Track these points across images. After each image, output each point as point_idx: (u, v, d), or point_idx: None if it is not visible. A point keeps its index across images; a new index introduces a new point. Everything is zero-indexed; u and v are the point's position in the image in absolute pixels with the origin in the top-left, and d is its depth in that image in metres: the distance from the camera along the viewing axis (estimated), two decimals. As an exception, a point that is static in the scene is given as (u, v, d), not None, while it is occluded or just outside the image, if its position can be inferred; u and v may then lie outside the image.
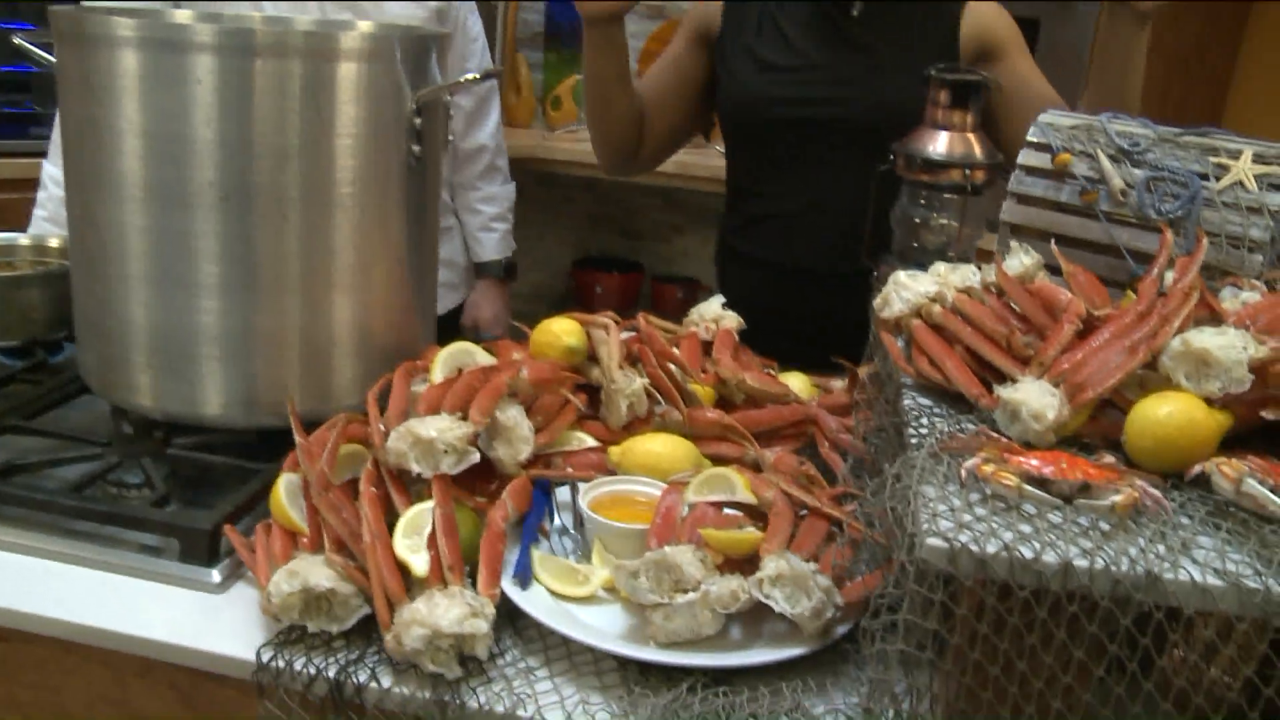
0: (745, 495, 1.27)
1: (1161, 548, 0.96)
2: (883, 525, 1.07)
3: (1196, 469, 1.04)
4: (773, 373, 1.58)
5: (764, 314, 1.75)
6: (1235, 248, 1.29)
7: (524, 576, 1.21)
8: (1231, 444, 1.12)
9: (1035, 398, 1.11)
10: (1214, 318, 1.16)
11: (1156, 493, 1.02)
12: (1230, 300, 1.20)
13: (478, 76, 1.52)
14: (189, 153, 1.33)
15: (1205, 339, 1.09)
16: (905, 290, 1.30)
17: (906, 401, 1.23)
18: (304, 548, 1.19)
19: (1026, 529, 0.97)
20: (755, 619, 1.19)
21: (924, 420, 1.18)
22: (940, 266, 1.33)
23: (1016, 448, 1.08)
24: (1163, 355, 1.11)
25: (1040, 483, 1.02)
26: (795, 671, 1.13)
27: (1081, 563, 0.93)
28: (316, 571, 1.11)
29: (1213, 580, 0.93)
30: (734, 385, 1.46)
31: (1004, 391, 1.13)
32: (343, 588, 1.11)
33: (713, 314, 1.59)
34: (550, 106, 3.20)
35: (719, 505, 1.28)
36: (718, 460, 1.41)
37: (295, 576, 1.10)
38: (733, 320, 1.58)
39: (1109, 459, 1.08)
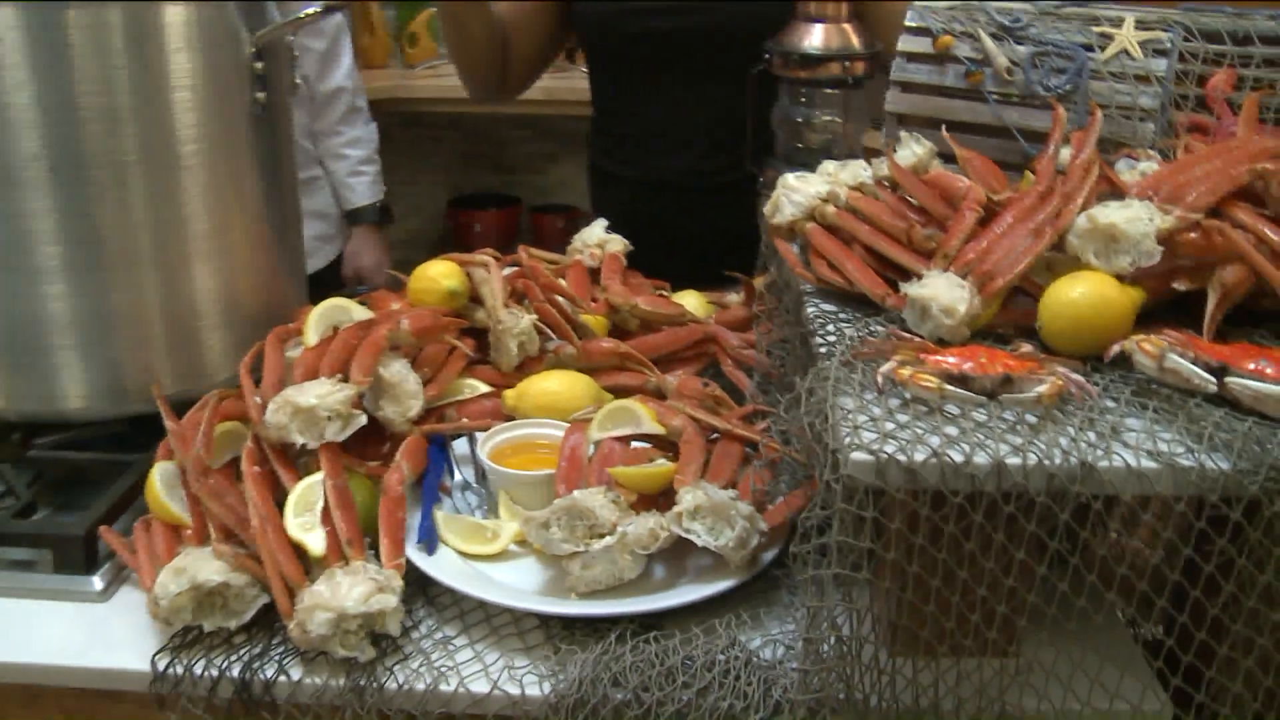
0: (652, 426, 1.19)
1: (1092, 435, 0.91)
2: (801, 443, 1.00)
3: (1115, 349, 0.99)
4: (666, 294, 1.50)
5: (646, 234, 1.66)
6: (1126, 118, 1.24)
7: (429, 541, 1.12)
8: (1145, 320, 1.07)
9: (945, 292, 1.05)
10: (1116, 192, 1.11)
11: (1079, 378, 0.97)
12: (1128, 172, 1.15)
13: (319, 10, 1.39)
14: (2, 124, 1.18)
15: (1111, 214, 1.04)
16: (795, 193, 1.22)
17: (809, 309, 1.16)
18: (189, 541, 1.08)
19: (953, 431, 0.92)
20: (678, 555, 1.12)
21: (830, 328, 1.12)
22: (829, 165, 1.26)
23: (931, 347, 1.02)
24: (1069, 235, 1.06)
25: (960, 381, 0.96)
26: (726, 605, 1.07)
27: (1014, 460, 0.88)
28: (205, 566, 1.01)
29: (1147, 463, 0.88)
30: (627, 311, 1.38)
31: (911, 288, 1.07)
32: (236, 579, 1.01)
33: (596, 239, 1.49)
34: (407, 44, 3.03)
35: (626, 440, 1.21)
36: (619, 392, 1.33)
37: (182, 574, 1.00)
38: (618, 244, 1.49)
39: (1027, 348, 1.03)
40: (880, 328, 1.11)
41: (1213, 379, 0.92)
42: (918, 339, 1.04)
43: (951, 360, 0.97)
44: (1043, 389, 0.92)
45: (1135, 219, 1.03)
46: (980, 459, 0.88)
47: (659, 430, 1.19)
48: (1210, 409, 0.95)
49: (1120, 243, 1.04)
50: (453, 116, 3.12)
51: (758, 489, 1.13)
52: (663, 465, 1.14)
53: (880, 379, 0.97)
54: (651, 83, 1.79)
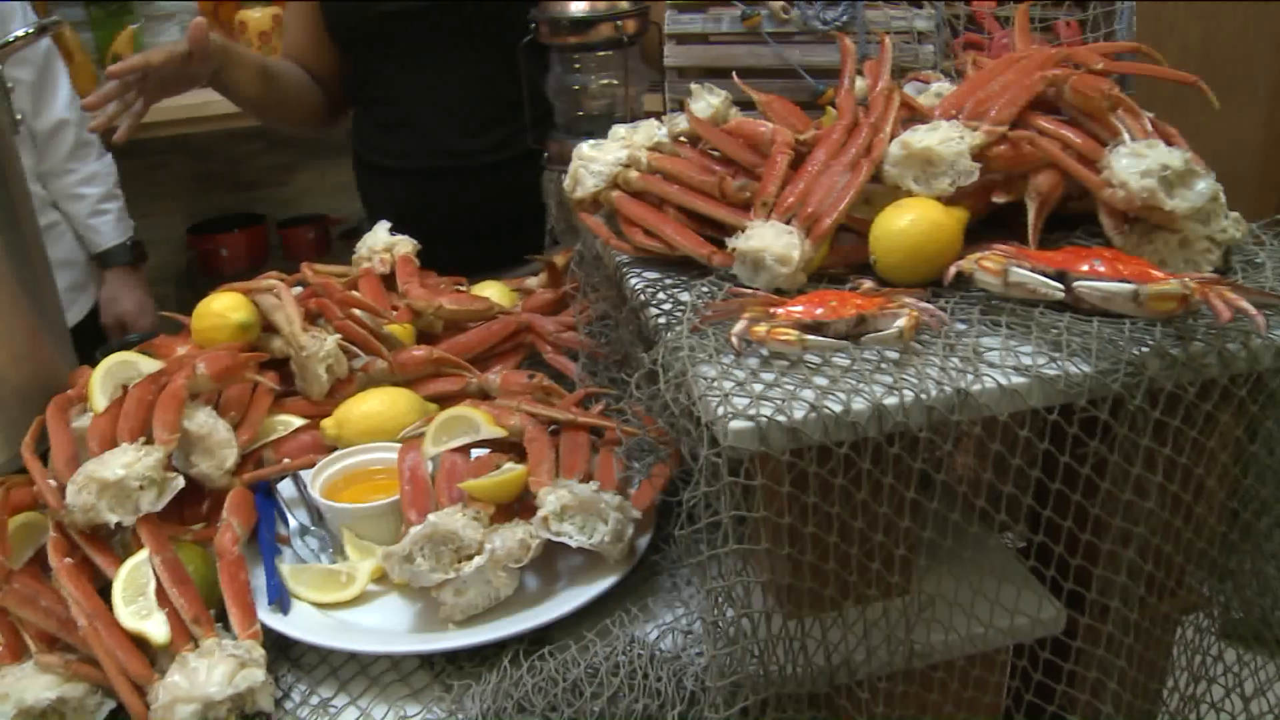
0: (492, 430, 1.11)
1: (956, 360, 0.89)
2: (663, 419, 0.94)
3: (953, 271, 0.97)
4: (465, 289, 1.41)
5: (426, 224, 1.59)
6: (907, 43, 1.23)
7: (282, 599, 1.01)
8: (969, 239, 1.06)
9: (774, 240, 1.01)
10: (918, 117, 1.09)
11: (929, 306, 0.94)
12: (922, 96, 1.14)
13: (29, 33, 1.22)
14: None
15: (924, 137, 1.02)
16: (594, 163, 1.16)
17: (632, 281, 1.10)
18: (4, 661, 0.93)
19: (822, 381, 0.87)
20: (547, 561, 1.05)
21: (661, 295, 1.06)
22: (620, 129, 1.20)
23: (777, 299, 0.97)
24: (885, 165, 1.04)
25: (816, 328, 0.92)
26: (612, 602, 1.00)
27: (892, 400, 0.84)
28: (31, 684, 0.86)
29: (1017, 379, 0.86)
30: (432, 314, 1.29)
31: (739, 242, 1.02)
32: (72, 691, 0.88)
33: (384, 244, 1.39)
34: (110, 65, 2.76)
35: (465, 450, 1.12)
36: (441, 400, 1.24)
37: (5, 700, 0.85)
38: (408, 245, 1.39)
39: (869, 284, 1.00)
40: (714, 289, 1.06)
41: (1059, 285, 0.91)
42: (760, 294, 1.00)
43: (801, 309, 0.93)
44: (901, 323, 0.89)
45: (948, 139, 1.02)
46: (858, 404, 0.84)
47: (500, 433, 1.11)
48: (1056, 316, 0.94)
49: (937, 165, 1.02)
50: (177, 139, 2.87)
51: (621, 476, 1.07)
52: (514, 470, 1.06)
53: (735, 340, 0.92)
54: (409, 66, 1.69)
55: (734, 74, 1.14)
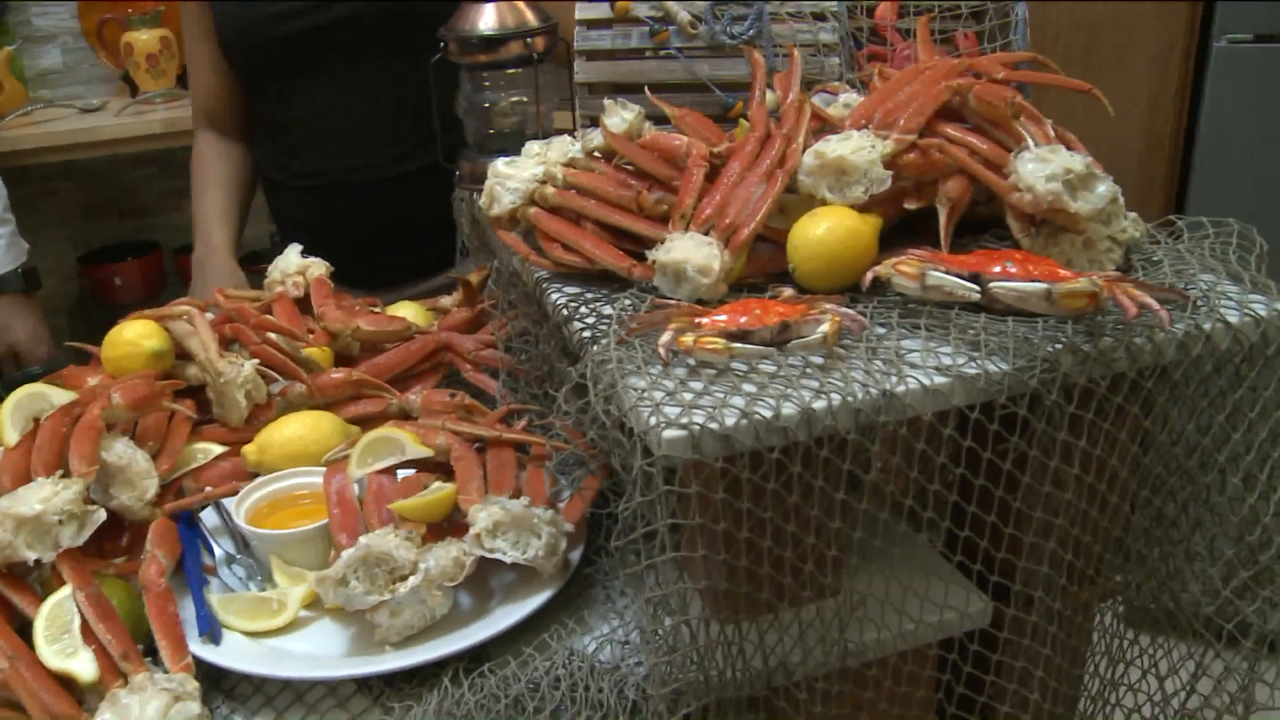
0: (418, 450, 1.09)
1: (880, 363, 0.91)
2: (596, 433, 0.94)
3: (870, 276, 0.98)
4: (380, 310, 1.39)
5: (335, 241, 1.57)
6: (813, 55, 1.25)
7: (213, 630, 0.98)
8: (883, 245, 1.08)
9: (695, 251, 1.01)
10: (829, 127, 1.11)
11: (850, 311, 0.96)
12: (833, 107, 1.16)
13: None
14: None
15: (837, 147, 1.04)
16: (509, 180, 1.15)
17: (554, 296, 1.10)
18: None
19: (750, 388, 0.88)
20: (480, 578, 1.03)
21: (584, 310, 1.06)
22: (534, 145, 1.20)
23: (701, 309, 0.98)
24: (800, 174, 1.05)
25: (741, 336, 0.93)
26: (548, 616, 1.00)
27: (820, 404, 0.86)
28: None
29: (939, 379, 0.88)
30: (349, 336, 1.27)
31: (660, 255, 1.03)
32: (-7, 738, 0.84)
33: (296, 266, 1.36)
34: (-13, 92, 2.67)
35: (391, 471, 1.10)
36: (362, 422, 1.22)
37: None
38: (321, 267, 1.36)
39: (789, 292, 1.01)
40: (631, 302, 1.06)
41: (975, 287, 0.93)
42: (684, 305, 1.00)
43: (725, 318, 0.94)
44: (825, 328, 0.90)
45: (860, 148, 1.04)
46: (788, 409, 0.85)
47: (426, 453, 1.10)
48: (972, 317, 0.97)
49: (850, 174, 1.04)
50: (64, 165, 2.78)
51: (553, 491, 1.07)
52: (443, 489, 1.05)
53: (663, 351, 0.92)
54: (309, 83, 1.66)
55: (646, 89, 1.15)
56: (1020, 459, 0.95)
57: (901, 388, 0.87)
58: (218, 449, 1.18)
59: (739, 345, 0.90)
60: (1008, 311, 0.95)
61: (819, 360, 0.92)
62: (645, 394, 0.88)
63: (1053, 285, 0.90)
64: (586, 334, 1.01)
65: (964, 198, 1.05)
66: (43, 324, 2.06)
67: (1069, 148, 1.08)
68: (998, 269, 0.96)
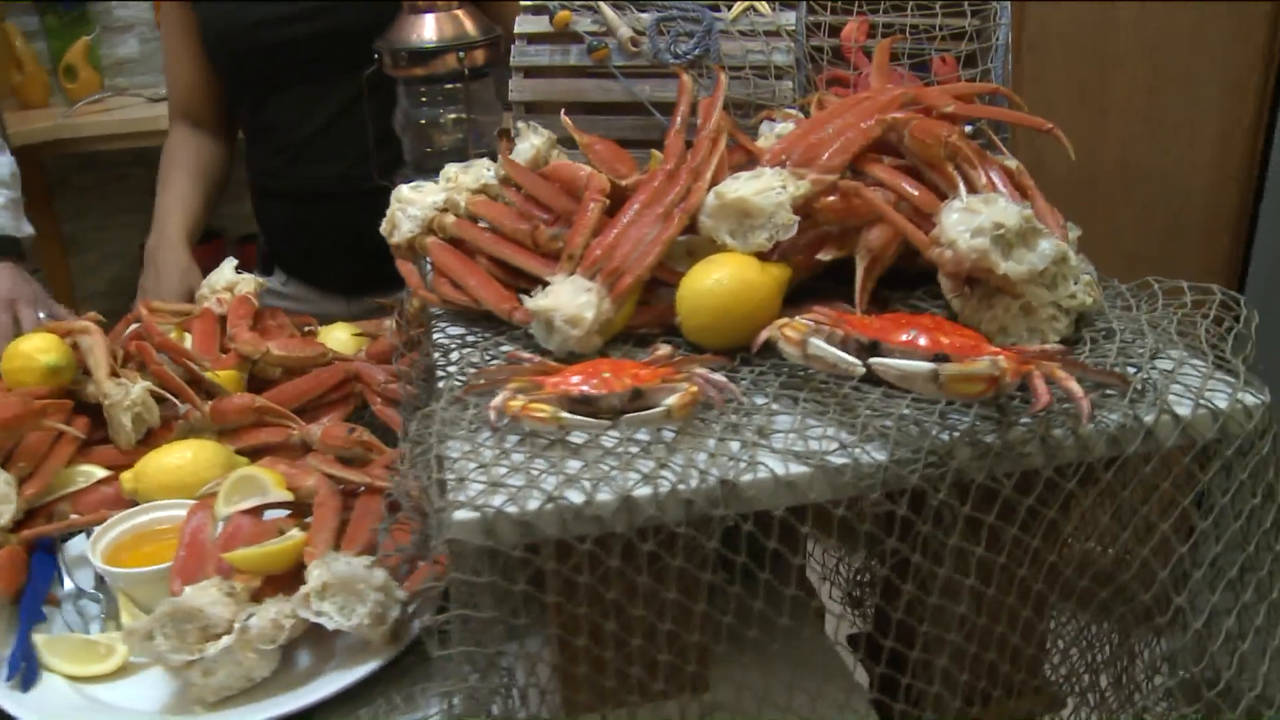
0: (278, 492, 0.99)
1: (736, 444, 0.76)
2: (406, 499, 0.82)
3: (762, 337, 0.84)
4: (313, 329, 1.30)
5: (315, 247, 1.60)
6: (763, 78, 1.11)
7: (27, 673, 0.90)
8: (799, 298, 0.94)
9: (568, 299, 0.89)
10: (755, 161, 0.96)
11: (720, 377, 0.82)
12: (764, 139, 1.01)
13: None
14: None
15: (740, 187, 0.89)
16: (411, 206, 1.04)
17: (437, 335, 0.98)
18: None
19: (576, 465, 0.75)
20: (325, 637, 0.93)
21: (454, 354, 0.94)
22: (451, 168, 1.08)
23: (554, 367, 0.85)
24: (701, 216, 0.91)
25: (585, 403, 0.79)
26: (379, 688, 0.89)
27: (644, 491, 0.72)
28: None
29: (796, 469, 0.74)
30: (259, 359, 1.17)
31: (531, 300, 0.90)
32: None
33: (225, 283, 1.28)
34: (64, 78, 2.68)
35: (259, 511, 1.00)
36: (264, 453, 1.13)
37: None
38: (249, 284, 1.28)
39: (664, 350, 0.87)
40: (511, 347, 0.94)
41: (856, 362, 0.78)
42: (539, 359, 0.88)
43: (574, 380, 0.81)
44: (671, 401, 0.77)
45: (766, 189, 0.89)
46: (604, 495, 0.72)
47: (286, 496, 0.99)
48: (867, 391, 0.82)
49: (754, 217, 0.89)
50: (135, 152, 2.78)
51: (403, 549, 0.95)
52: (292, 539, 0.95)
53: (492, 414, 0.79)
54: (288, 91, 1.59)
55: (562, 111, 1.02)
56: (904, 564, 0.79)
57: (748, 476, 0.73)
58: (100, 473, 1.10)
59: (568, 415, 0.77)
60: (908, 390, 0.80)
61: (669, 436, 0.78)
62: (456, 463, 0.76)
63: (940, 365, 0.74)
64: (442, 383, 0.89)
65: (887, 250, 0.90)
66: (28, 283, 1.86)
67: (1026, 197, 0.92)
68: (904, 337, 0.81)
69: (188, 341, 1.22)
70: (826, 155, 0.91)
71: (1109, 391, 0.80)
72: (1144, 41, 1.76)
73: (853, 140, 0.91)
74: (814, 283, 0.97)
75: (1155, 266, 1.93)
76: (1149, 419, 0.77)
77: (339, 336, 1.27)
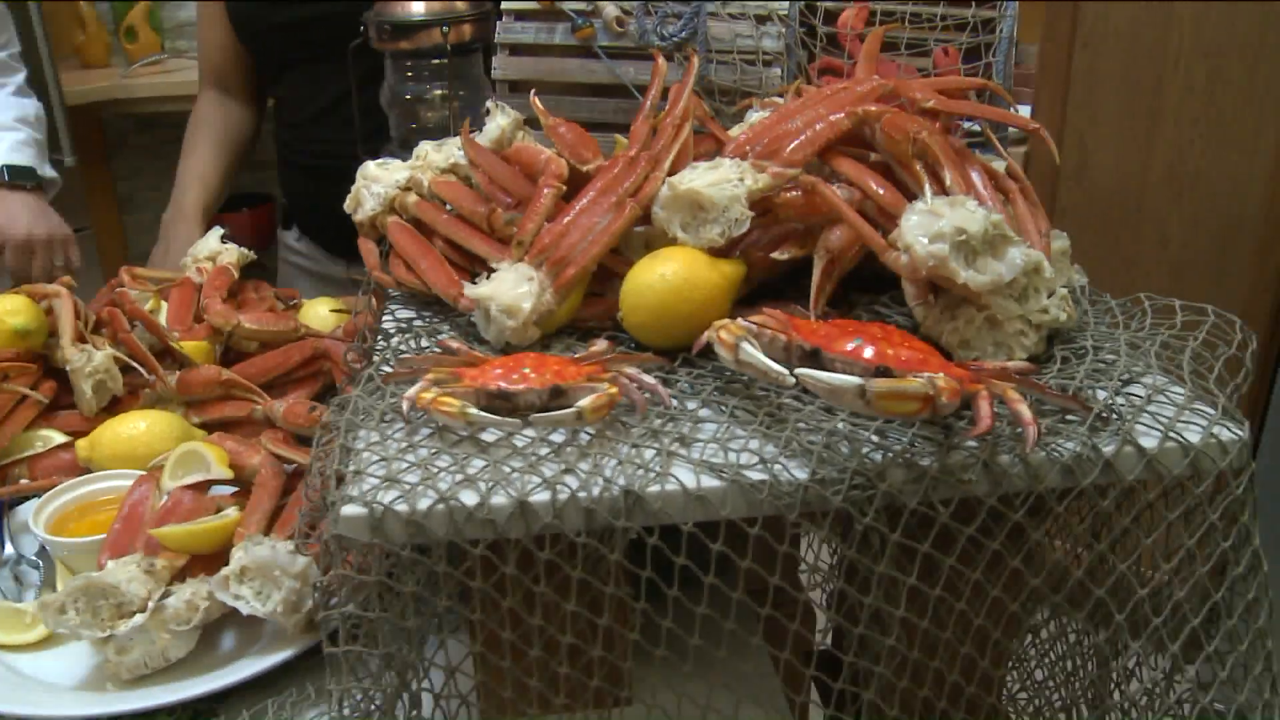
0: (220, 470, 0.96)
1: (650, 451, 0.71)
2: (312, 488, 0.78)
3: (703, 339, 0.78)
4: (298, 303, 1.26)
5: (322, 212, 1.57)
6: (751, 64, 1.04)
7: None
8: (763, 298, 0.88)
9: (508, 289, 0.84)
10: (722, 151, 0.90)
11: (650, 379, 0.76)
12: (737, 128, 0.95)
13: None
14: None
15: (694, 178, 0.84)
16: (375, 183, 1.00)
17: (386, 319, 0.94)
18: None
19: (480, 464, 0.70)
20: (254, 620, 0.89)
21: (395, 340, 0.89)
22: (425, 146, 1.04)
23: (479, 359, 0.80)
24: (655, 207, 0.85)
25: (503, 399, 0.75)
26: (299, 675, 0.85)
27: (541, 497, 0.67)
28: None
29: (709, 482, 0.68)
30: (230, 331, 1.14)
31: (471, 288, 0.85)
32: None
33: (209, 252, 1.25)
34: (125, 39, 2.68)
35: (204, 487, 0.97)
36: (227, 427, 1.10)
37: None
38: (232, 254, 1.24)
39: (600, 346, 0.82)
40: (451, 335, 0.89)
41: (786, 371, 0.71)
42: (468, 350, 0.83)
43: (494, 374, 0.76)
44: (585, 402, 0.71)
45: (721, 182, 0.83)
46: (499, 499, 0.67)
47: (226, 474, 0.96)
48: (806, 403, 0.76)
49: (707, 211, 0.84)
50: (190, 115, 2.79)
51: (299, 539, 0.91)
52: (224, 518, 0.91)
53: (404, 405, 0.75)
54: (303, 67, 1.57)
55: (532, 92, 0.96)
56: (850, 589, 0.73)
57: (655, 488, 0.67)
58: (60, 438, 1.08)
59: (474, 411, 0.72)
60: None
61: (586, 438, 0.73)
62: (359, 454, 0.72)
63: (869, 382, 0.67)
64: (369, 372, 0.85)
65: (848, 251, 0.83)
66: (42, 215, 1.74)
67: (1009, 200, 0.85)
68: (849, 346, 0.74)
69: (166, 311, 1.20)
70: (790, 148, 0.85)
71: (1071, 417, 0.73)
72: (1203, 42, 1.65)
73: (820, 133, 0.85)
74: (781, 283, 0.91)
75: (1203, 279, 1.83)
76: (1109, 449, 0.70)
77: (320, 312, 1.24)
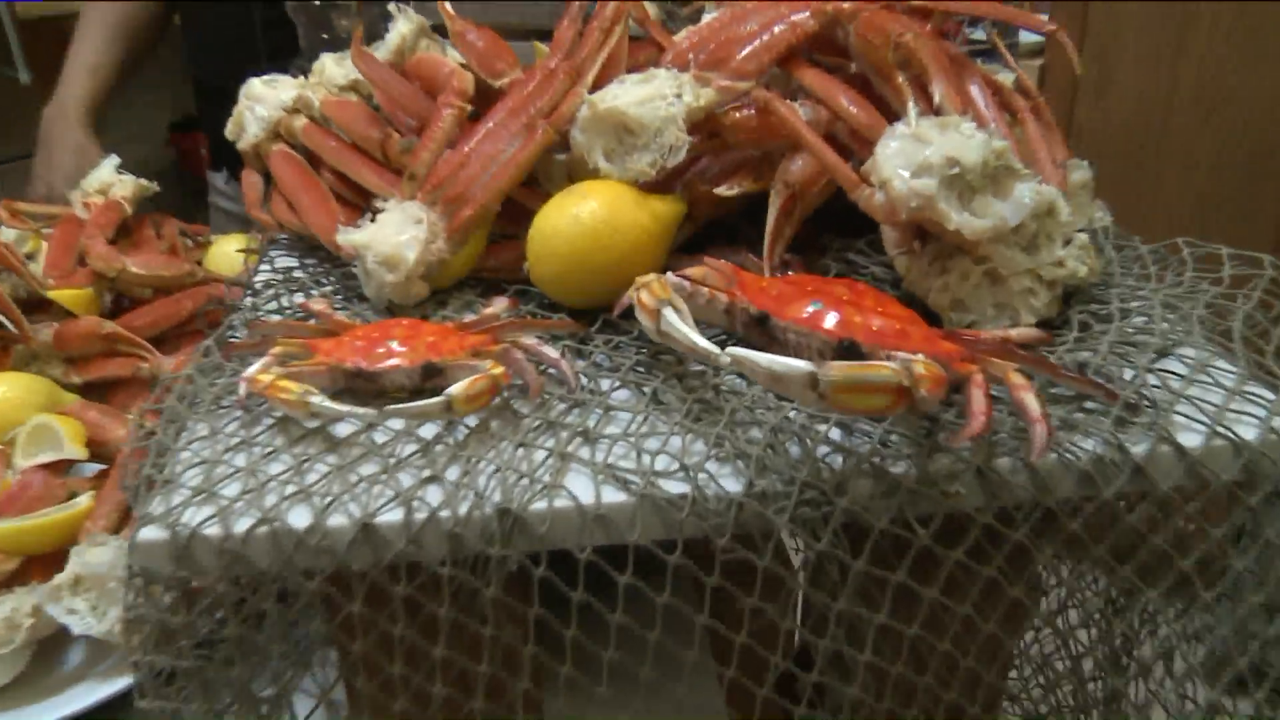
0: (73, 448, 0.79)
1: (542, 453, 0.53)
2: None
3: (625, 297, 0.59)
4: (207, 240, 1.08)
5: None
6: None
7: None
8: (708, 242, 0.69)
9: (389, 235, 0.66)
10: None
11: (553, 352, 0.58)
12: (683, 32, 0.76)
13: None
14: None
15: (619, 94, 0.65)
16: (259, 104, 0.81)
17: (262, 270, 0.76)
18: None
19: (321, 469, 0.53)
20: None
21: (263, 296, 0.71)
22: (326, 59, 0.85)
23: (343, 324, 0.62)
24: (574, 130, 0.67)
25: (365, 379, 0.57)
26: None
27: (392, 517, 0.49)
28: None
29: (612, 495, 0.50)
30: (114, 277, 0.96)
31: (345, 234, 0.67)
32: None
33: (99, 183, 1.06)
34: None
35: (61, 467, 0.80)
36: (109, 388, 0.93)
37: None
38: (128, 186, 1.06)
39: (496, 307, 0.64)
40: (338, 290, 0.71)
41: (717, 350, 0.53)
42: (331, 314, 0.65)
43: (356, 345, 0.58)
44: (456, 389, 0.53)
45: (653, 98, 0.64)
46: (338, 521, 0.49)
47: (79, 454, 0.79)
48: (750, 383, 0.58)
49: (636, 135, 0.65)
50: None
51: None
52: (71, 509, 0.75)
53: (241, 388, 0.57)
54: None
55: (441, -9, 0.77)
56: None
57: (541, 505, 0.50)
58: (-92, 407, 0.91)
59: (318, 400, 0.54)
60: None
61: (463, 433, 0.55)
62: (179, 453, 0.55)
63: (822, 369, 0.48)
64: (214, 337, 0.67)
65: (813, 185, 0.65)
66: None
67: (1017, 121, 0.66)
68: (807, 311, 0.56)
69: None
70: (742, 55, 0.66)
71: (1091, 404, 0.55)
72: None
73: (780, 37, 0.66)
74: (738, 221, 0.73)
75: (1231, 210, 1.62)
76: (1139, 450, 0.52)
77: (228, 251, 1.05)
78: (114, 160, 1.07)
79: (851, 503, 0.51)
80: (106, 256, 0.95)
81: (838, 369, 0.48)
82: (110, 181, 1.05)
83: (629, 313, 0.58)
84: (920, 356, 0.50)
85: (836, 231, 0.71)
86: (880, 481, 0.51)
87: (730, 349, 0.50)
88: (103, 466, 0.83)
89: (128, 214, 1.03)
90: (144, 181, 1.06)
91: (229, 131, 0.83)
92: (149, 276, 0.97)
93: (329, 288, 0.71)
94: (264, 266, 0.76)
